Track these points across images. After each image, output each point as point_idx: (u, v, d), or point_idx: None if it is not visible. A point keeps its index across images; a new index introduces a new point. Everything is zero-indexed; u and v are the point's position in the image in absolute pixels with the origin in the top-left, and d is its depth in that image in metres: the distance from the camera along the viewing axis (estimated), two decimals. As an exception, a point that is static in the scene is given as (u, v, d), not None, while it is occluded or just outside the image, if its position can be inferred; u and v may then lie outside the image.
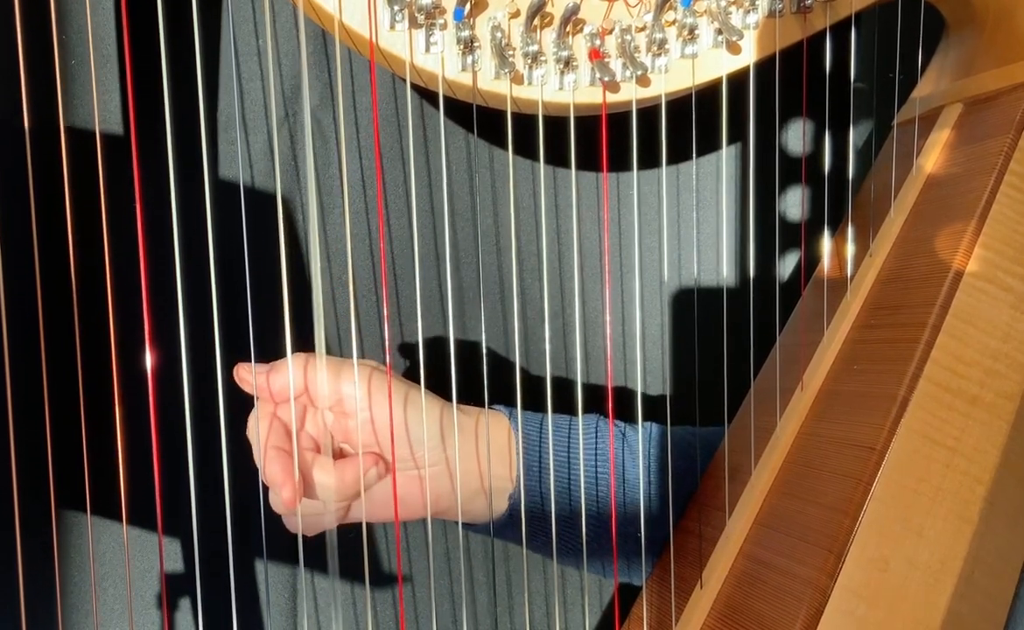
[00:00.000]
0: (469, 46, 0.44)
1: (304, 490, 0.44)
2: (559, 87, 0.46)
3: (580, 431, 0.50)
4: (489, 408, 0.51)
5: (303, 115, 0.59)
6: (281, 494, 0.43)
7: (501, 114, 0.45)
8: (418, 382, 0.46)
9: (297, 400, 0.45)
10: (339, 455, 0.47)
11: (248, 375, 0.45)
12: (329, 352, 0.63)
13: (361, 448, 0.45)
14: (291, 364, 0.44)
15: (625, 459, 0.52)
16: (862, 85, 0.65)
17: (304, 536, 0.46)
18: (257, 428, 0.45)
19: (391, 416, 0.44)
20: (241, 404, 0.47)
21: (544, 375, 0.61)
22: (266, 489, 0.46)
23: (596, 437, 0.51)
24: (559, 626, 0.70)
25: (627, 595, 0.52)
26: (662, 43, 0.45)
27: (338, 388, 0.45)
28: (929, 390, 0.42)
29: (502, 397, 0.66)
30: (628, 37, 0.45)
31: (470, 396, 0.66)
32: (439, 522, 0.65)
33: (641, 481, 0.51)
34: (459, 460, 0.47)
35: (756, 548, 0.45)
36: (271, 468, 0.43)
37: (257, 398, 0.45)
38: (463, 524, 0.51)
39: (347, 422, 0.46)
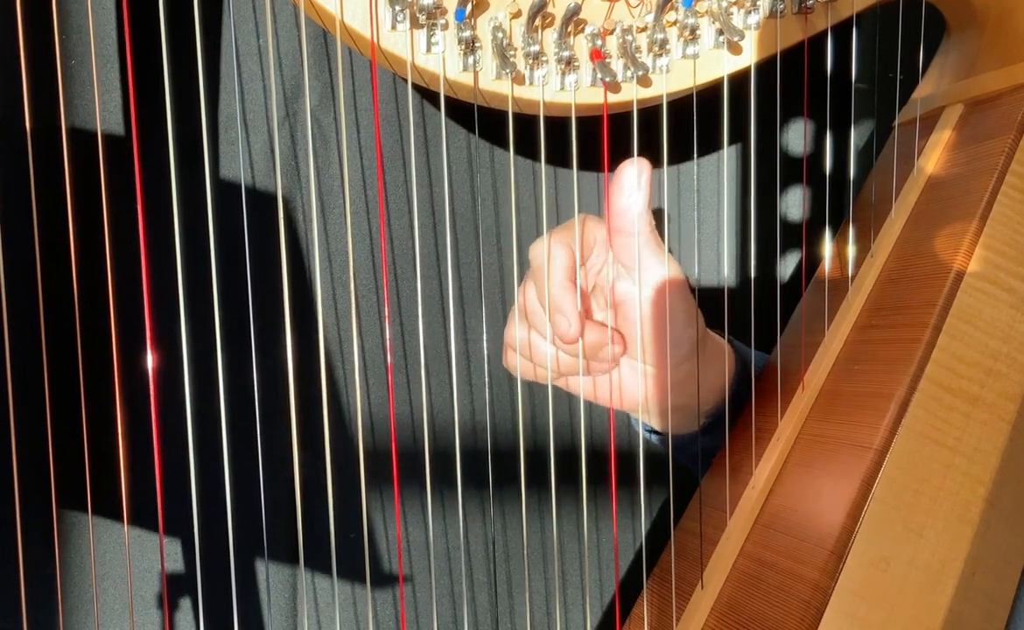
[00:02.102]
0: (470, 46, 0.44)
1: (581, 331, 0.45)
2: (560, 87, 0.46)
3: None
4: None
5: (304, 115, 0.59)
6: (569, 329, 0.44)
7: (502, 114, 0.45)
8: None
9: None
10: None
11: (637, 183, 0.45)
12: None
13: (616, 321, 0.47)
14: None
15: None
16: (863, 85, 0.65)
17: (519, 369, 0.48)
18: (547, 250, 0.45)
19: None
20: (241, 404, 0.47)
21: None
22: (270, 484, 0.46)
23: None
24: (559, 626, 0.70)
25: (628, 595, 0.52)
26: (663, 43, 0.45)
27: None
28: (930, 390, 0.42)
29: (501, 396, 0.66)
30: (629, 37, 0.45)
31: (469, 396, 0.66)
32: (439, 522, 0.66)
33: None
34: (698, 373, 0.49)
35: (757, 548, 0.45)
36: (564, 299, 0.44)
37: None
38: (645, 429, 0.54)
39: (623, 288, 0.47)
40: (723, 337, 0.54)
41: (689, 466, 0.55)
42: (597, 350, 0.47)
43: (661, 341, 0.47)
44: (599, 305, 0.50)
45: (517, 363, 0.48)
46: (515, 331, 0.49)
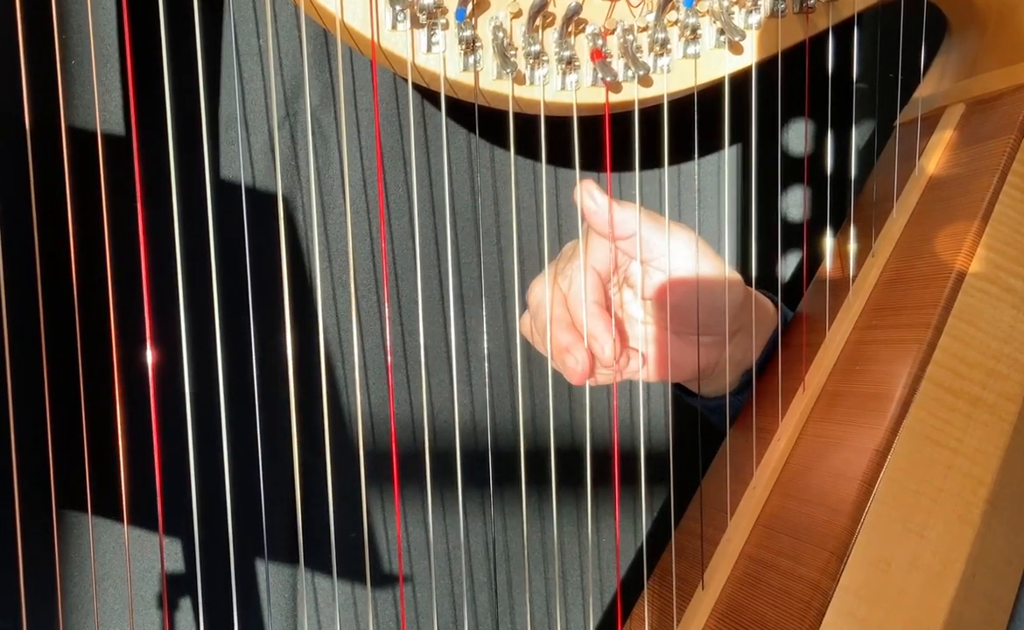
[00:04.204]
0: (471, 46, 0.43)
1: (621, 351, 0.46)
2: (561, 87, 0.46)
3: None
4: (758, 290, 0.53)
5: (304, 115, 0.59)
6: (604, 353, 0.45)
7: (503, 114, 0.45)
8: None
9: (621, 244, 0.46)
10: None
11: (593, 200, 0.45)
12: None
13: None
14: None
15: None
16: (864, 85, 0.65)
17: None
18: (548, 292, 0.46)
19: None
20: (241, 404, 0.47)
21: (546, 374, 0.61)
22: (270, 484, 0.46)
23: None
24: (559, 626, 0.70)
25: (628, 595, 0.52)
26: (664, 43, 0.45)
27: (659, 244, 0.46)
28: (931, 391, 0.42)
29: (502, 396, 0.66)
30: (630, 37, 0.45)
31: (469, 396, 0.66)
32: (439, 522, 0.65)
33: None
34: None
35: (758, 549, 0.45)
36: (595, 324, 0.45)
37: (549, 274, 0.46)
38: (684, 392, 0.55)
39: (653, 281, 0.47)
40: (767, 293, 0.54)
41: (716, 424, 0.55)
42: (625, 367, 0.47)
43: (708, 315, 0.47)
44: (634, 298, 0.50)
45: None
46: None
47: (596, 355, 0.46)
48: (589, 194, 0.45)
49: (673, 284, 0.46)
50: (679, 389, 0.57)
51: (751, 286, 0.51)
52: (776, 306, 0.54)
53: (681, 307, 0.47)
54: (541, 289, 0.47)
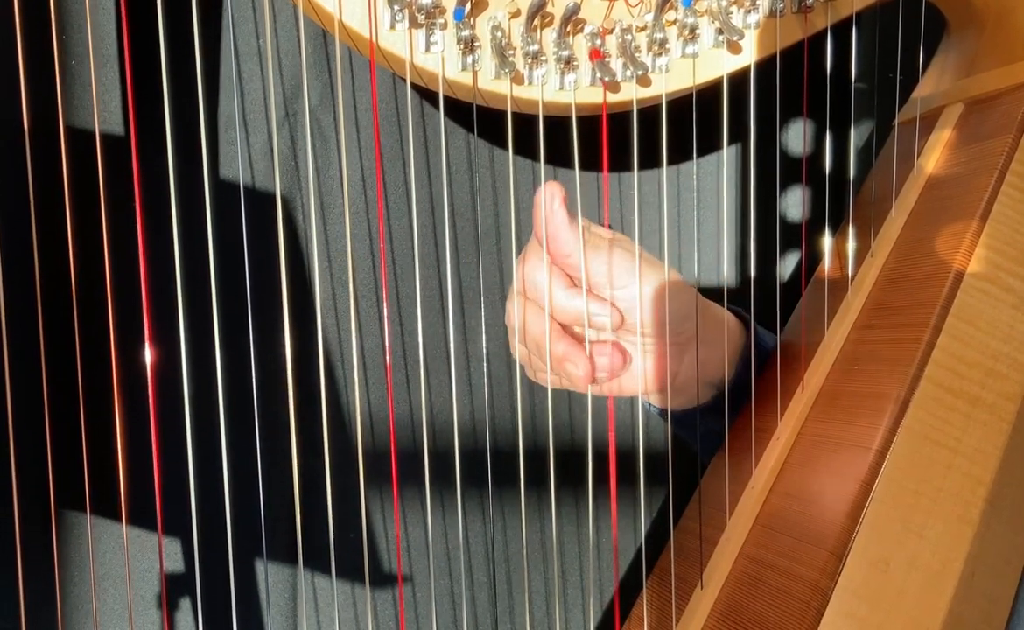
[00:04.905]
0: (469, 46, 0.43)
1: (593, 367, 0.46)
2: (559, 87, 0.46)
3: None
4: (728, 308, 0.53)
5: (303, 115, 0.59)
6: (578, 372, 0.45)
7: (501, 114, 0.45)
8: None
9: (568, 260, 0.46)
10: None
11: (552, 210, 0.45)
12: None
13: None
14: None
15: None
16: (863, 85, 0.65)
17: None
18: (517, 311, 0.46)
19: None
20: (241, 404, 0.47)
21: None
22: (269, 484, 0.45)
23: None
24: (559, 626, 0.70)
25: (627, 595, 0.52)
26: (663, 43, 0.45)
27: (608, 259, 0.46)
28: (930, 391, 0.42)
29: (501, 396, 0.66)
30: (629, 37, 0.45)
31: (469, 395, 0.66)
32: (439, 522, 0.65)
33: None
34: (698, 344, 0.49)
35: (757, 549, 0.45)
36: (559, 346, 0.45)
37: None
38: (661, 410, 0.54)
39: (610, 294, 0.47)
40: (731, 311, 0.53)
41: (691, 444, 0.55)
42: (616, 370, 0.47)
43: (657, 324, 0.47)
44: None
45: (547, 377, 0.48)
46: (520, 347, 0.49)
47: (572, 379, 0.46)
48: (551, 202, 0.45)
49: (619, 297, 0.46)
50: (650, 404, 0.57)
51: (752, 288, 0.51)
52: (747, 323, 0.54)
53: (630, 313, 0.47)
54: (519, 306, 0.47)
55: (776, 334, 0.53)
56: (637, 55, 0.45)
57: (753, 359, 0.51)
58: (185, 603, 0.61)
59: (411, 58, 0.43)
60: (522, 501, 0.60)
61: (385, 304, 0.63)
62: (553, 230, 0.45)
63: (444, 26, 0.43)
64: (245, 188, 0.59)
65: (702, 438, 0.53)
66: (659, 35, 0.45)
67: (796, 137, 0.67)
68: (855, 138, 0.62)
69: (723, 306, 0.52)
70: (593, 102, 0.46)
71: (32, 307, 0.47)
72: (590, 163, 0.48)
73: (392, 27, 0.43)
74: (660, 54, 0.46)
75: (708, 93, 0.48)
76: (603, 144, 0.44)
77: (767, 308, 0.54)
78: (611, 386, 0.50)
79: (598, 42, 0.45)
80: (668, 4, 0.45)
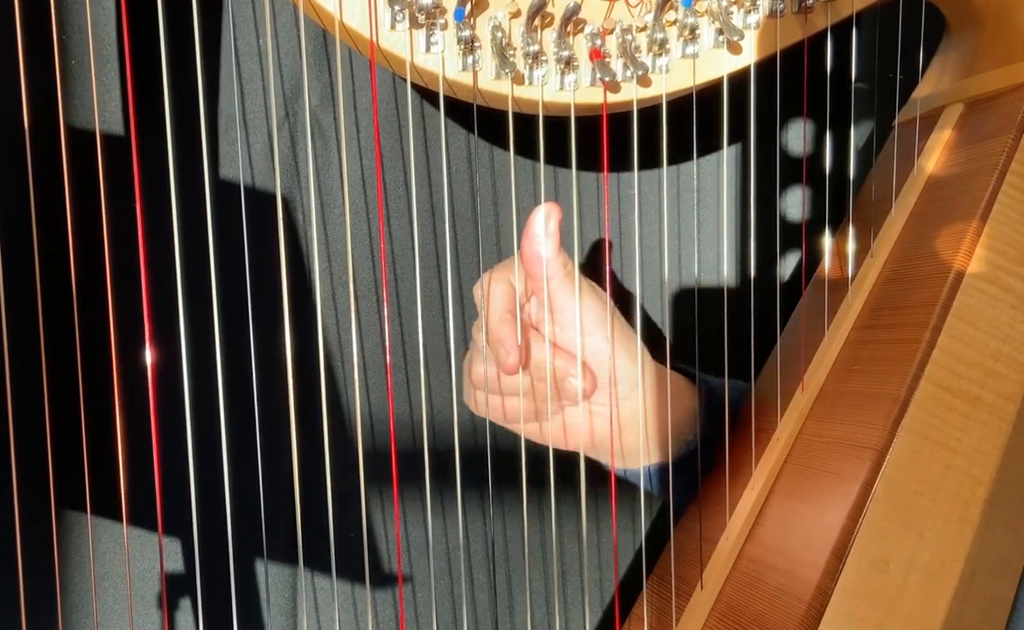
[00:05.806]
0: (470, 46, 0.44)
1: (523, 362, 0.46)
2: (560, 87, 0.46)
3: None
4: (672, 368, 0.53)
5: (303, 115, 0.59)
6: (508, 359, 0.44)
7: (502, 114, 0.45)
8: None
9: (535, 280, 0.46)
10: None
11: (545, 229, 0.45)
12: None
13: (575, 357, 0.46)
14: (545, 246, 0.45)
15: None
16: (863, 85, 0.65)
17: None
18: (488, 287, 0.46)
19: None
20: (241, 404, 0.47)
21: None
22: (270, 484, 0.46)
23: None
24: (559, 626, 0.70)
25: (627, 595, 0.52)
26: (663, 43, 0.45)
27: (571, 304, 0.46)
28: (930, 391, 0.42)
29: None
30: (629, 37, 0.45)
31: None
32: (439, 522, 0.65)
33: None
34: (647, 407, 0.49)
35: (756, 549, 0.45)
36: (502, 329, 0.45)
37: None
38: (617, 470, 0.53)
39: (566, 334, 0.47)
40: (691, 369, 0.53)
41: (660, 495, 0.55)
42: (564, 378, 0.46)
43: (603, 379, 0.47)
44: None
45: (485, 402, 0.48)
46: (478, 368, 0.49)
47: (500, 362, 0.45)
48: (545, 221, 0.45)
49: (563, 341, 0.46)
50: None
51: (752, 288, 0.50)
52: (694, 382, 0.53)
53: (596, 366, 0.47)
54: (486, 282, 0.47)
55: (776, 335, 0.53)
56: (637, 55, 0.46)
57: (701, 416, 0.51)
58: (185, 603, 0.61)
59: (411, 58, 0.43)
60: (522, 501, 0.60)
61: (385, 304, 0.63)
62: (539, 251, 0.44)
63: (444, 26, 0.43)
64: (245, 188, 0.59)
65: (674, 492, 0.52)
66: (659, 35, 0.45)
67: (796, 137, 0.67)
68: (855, 138, 0.62)
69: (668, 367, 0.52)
70: (593, 102, 0.46)
71: (32, 307, 0.47)
72: (590, 163, 0.48)
73: (392, 27, 0.43)
74: (660, 54, 0.46)
75: (708, 93, 0.48)
76: (603, 144, 0.44)
77: (767, 308, 0.54)
78: (556, 436, 0.49)
79: (598, 42, 0.45)
80: (668, 4, 0.45)
